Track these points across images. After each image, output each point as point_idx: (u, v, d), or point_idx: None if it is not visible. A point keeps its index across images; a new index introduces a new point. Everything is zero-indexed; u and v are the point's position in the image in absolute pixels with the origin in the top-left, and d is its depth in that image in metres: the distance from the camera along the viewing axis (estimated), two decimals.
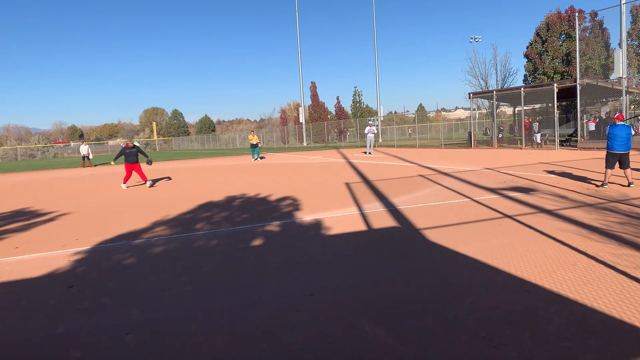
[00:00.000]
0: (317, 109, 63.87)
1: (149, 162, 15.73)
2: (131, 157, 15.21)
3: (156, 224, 8.65)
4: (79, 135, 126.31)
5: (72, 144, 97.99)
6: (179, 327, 3.95)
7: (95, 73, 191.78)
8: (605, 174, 10.05)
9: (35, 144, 79.48)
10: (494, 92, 29.24)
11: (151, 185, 15.48)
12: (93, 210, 10.94)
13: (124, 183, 15.34)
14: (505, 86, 45.53)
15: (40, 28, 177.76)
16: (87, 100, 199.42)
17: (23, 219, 10.09)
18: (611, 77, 27.85)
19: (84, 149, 31.86)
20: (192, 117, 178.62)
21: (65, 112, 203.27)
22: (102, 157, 54.25)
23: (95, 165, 32.73)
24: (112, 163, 16.73)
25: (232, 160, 30.67)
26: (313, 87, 64.80)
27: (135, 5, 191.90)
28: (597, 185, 10.25)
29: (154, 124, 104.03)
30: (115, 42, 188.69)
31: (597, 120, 25.51)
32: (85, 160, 31.66)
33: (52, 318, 4.30)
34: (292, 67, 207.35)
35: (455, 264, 5.31)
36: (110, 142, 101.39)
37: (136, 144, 15.81)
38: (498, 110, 35.62)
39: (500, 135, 31.38)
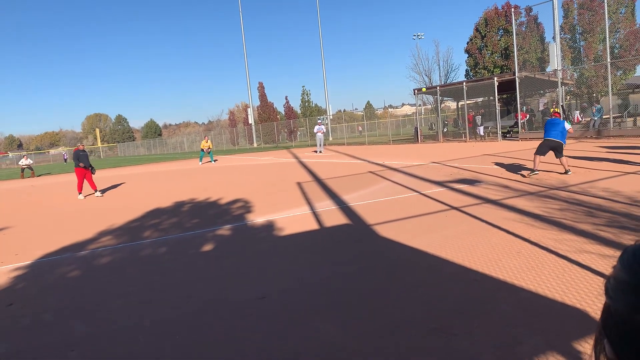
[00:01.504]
0: (266, 110, 63.57)
1: (93, 171, 15.16)
2: (85, 160, 14.45)
3: (102, 234, 8.34)
4: (17, 145, 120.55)
5: (10, 154, 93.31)
6: (126, 339, 3.82)
7: (34, 78, 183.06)
8: (535, 160, 10.45)
9: None
10: (438, 88, 29.96)
11: (101, 195, 14.85)
12: (35, 223, 10.44)
13: (80, 193, 14.57)
14: (448, 81, 46.83)
15: None
16: (25, 108, 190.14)
17: None
18: (547, 70, 29.06)
19: (25, 162, 30.78)
20: (137, 122, 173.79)
21: (1, 121, 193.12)
22: (44, 166, 51.98)
23: (38, 176, 31.44)
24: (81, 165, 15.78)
25: (180, 165, 30.05)
26: (261, 88, 64.44)
27: (71, 4, 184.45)
28: (523, 176, 10.62)
29: (97, 130, 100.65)
30: (53, 46, 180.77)
31: (527, 114, 26.56)
32: (24, 172, 30.41)
33: None
34: (238, 68, 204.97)
35: (405, 257, 5.39)
36: (52, 151, 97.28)
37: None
38: (442, 105, 36.52)
39: (445, 130, 32.17)
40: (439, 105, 31.95)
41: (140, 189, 16.18)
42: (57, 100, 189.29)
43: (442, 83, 45.54)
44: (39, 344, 3.88)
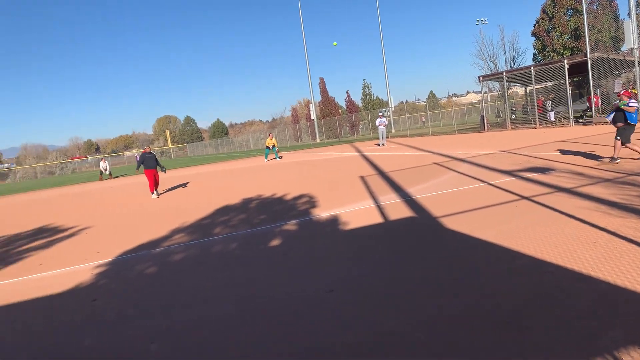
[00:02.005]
0: (327, 105, 63.78)
1: (164, 171, 15.88)
2: (150, 161, 15.33)
3: (175, 232, 8.73)
4: (95, 149, 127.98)
5: (89, 158, 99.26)
6: (203, 332, 4.00)
7: (107, 86, 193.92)
8: (615, 146, 9.77)
9: (53, 160, 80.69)
10: (504, 74, 28.88)
11: (157, 197, 15.47)
12: (113, 222, 11.08)
13: (152, 192, 15.39)
14: (514, 66, 45.01)
15: (47, 43, 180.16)
16: (101, 114, 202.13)
17: (45, 236, 10.27)
18: (622, 49, 27.31)
19: (103, 165, 32.60)
20: (204, 123, 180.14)
21: (80, 127, 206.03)
22: (120, 168, 54.87)
23: (115, 177, 33.42)
24: (137, 171, 16.85)
25: (246, 163, 30.80)
26: (322, 84, 64.71)
27: (135, 11, 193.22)
28: (603, 162, 9.99)
29: (168, 132, 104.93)
30: (124, 53, 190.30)
31: (600, 97, 25.05)
32: (103, 175, 32.20)
33: (79, 331, 4.37)
34: (299, 65, 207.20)
35: (474, 250, 5.27)
36: (126, 154, 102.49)
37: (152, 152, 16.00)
38: (510, 91, 35.21)
39: (513, 117, 31.01)
40: (505, 91, 30.82)
41: (209, 187, 16.74)
42: (130, 104, 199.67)
43: (509, 68, 43.86)
44: (122, 337, 4.13)
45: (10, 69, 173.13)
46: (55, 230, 11.01)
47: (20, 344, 4.31)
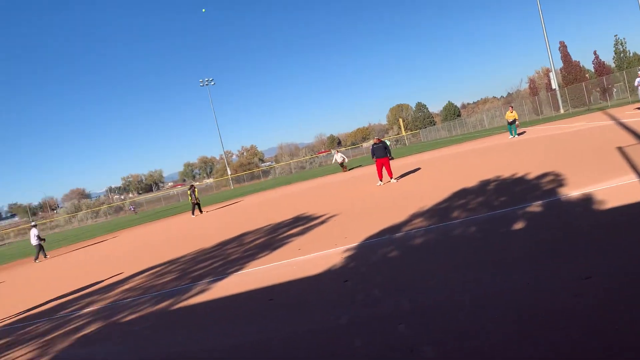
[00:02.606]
0: (571, 71, 57.21)
1: (390, 157, 16.52)
2: (379, 151, 16.20)
3: (413, 217, 8.92)
4: (337, 142, 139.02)
5: (332, 151, 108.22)
6: (449, 314, 4.00)
7: (345, 84, 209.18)
8: None
9: (303, 156, 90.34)
10: None
11: (396, 181, 16.19)
12: (356, 210, 11.88)
13: (380, 179, 16.33)
14: None
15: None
16: (340, 111, 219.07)
17: (302, 224, 11.58)
18: None
19: (339, 157, 34.80)
20: (435, 107, 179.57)
21: (324, 124, 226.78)
22: (357, 160, 58.46)
23: (349, 169, 35.60)
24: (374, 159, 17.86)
25: (481, 143, 29.65)
26: (563, 48, 58.20)
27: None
28: None
29: (400, 120, 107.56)
30: (360, 53, 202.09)
31: None
32: (344, 166, 34.64)
33: (334, 310, 4.81)
34: (535, 30, 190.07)
35: None
36: (364, 145, 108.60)
37: (386, 142, 16.88)
38: None
39: None
40: None
41: (444, 171, 16.63)
42: (364, 98, 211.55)
43: None
44: (371, 316, 4.41)
45: (283, 80, 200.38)
46: (309, 218, 12.34)
47: (281, 319, 4.95)
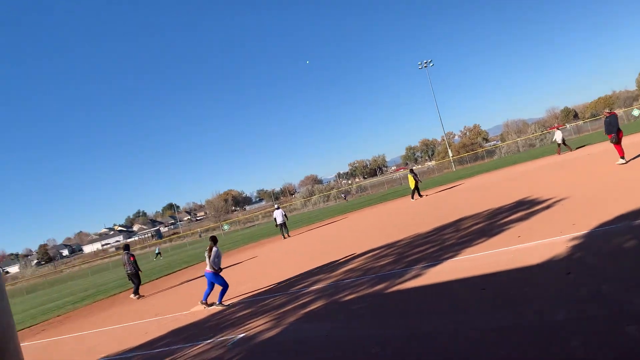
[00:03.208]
0: None
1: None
2: (608, 126, 14.16)
3: None
4: (573, 115, 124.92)
5: (567, 126, 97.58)
6: None
7: (581, 50, 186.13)
8: None
9: (532, 133, 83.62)
10: None
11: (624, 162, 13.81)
12: (589, 193, 10.61)
13: (622, 157, 14.16)
14: None
15: None
16: (573, 80, 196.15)
17: (524, 208, 10.84)
18: None
19: (558, 136, 30.46)
20: None
21: (555, 96, 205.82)
22: (583, 137, 51.79)
23: (574, 149, 30.44)
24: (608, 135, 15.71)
25: None
26: None
27: None
28: None
29: None
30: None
31: None
32: (560, 147, 29.96)
33: (551, 305, 4.47)
34: None
35: None
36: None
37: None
38: None
39: None
40: None
41: None
42: (606, 65, 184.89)
43: None
44: (594, 315, 3.98)
45: (506, 54, 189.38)
46: (532, 202, 11.47)
47: (489, 311, 4.76)
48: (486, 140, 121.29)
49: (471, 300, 5.35)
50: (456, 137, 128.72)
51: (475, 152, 76.51)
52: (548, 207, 10.16)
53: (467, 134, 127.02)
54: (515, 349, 3.76)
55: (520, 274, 5.85)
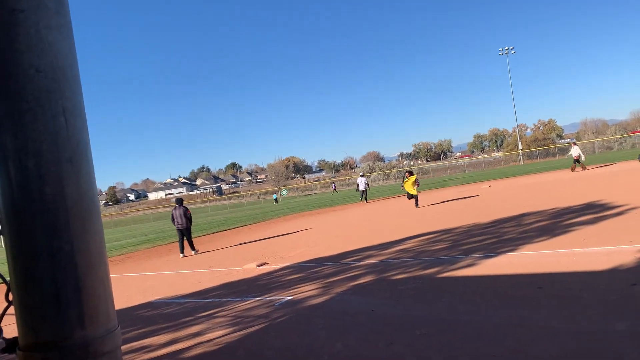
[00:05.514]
0: None
1: None
2: None
3: None
4: None
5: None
6: None
7: None
8: None
9: (612, 135, 78.87)
10: None
11: None
12: None
13: None
14: None
15: None
16: None
17: (593, 212, 10.37)
18: None
19: (575, 150, 26.27)
20: None
21: None
22: None
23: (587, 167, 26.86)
24: None
25: None
26: None
27: None
28: None
29: None
30: None
31: None
32: (576, 163, 26.60)
33: (612, 314, 4.30)
34: None
35: None
36: None
37: None
38: None
39: None
40: None
41: None
42: None
43: None
44: None
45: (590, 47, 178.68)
46: (603, 206, 10.94)
47: (544, 311, 4.63)
48: (560, 137, 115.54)
49: (525, 297, 5.22)
50: (528, 130, 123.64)
51: (546, 148, 73.26)
52: (619, 213, 9.65)
53: (541, 128, 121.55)
54: (568, 353, 3.66)
55: (580, 277, 5.64)
